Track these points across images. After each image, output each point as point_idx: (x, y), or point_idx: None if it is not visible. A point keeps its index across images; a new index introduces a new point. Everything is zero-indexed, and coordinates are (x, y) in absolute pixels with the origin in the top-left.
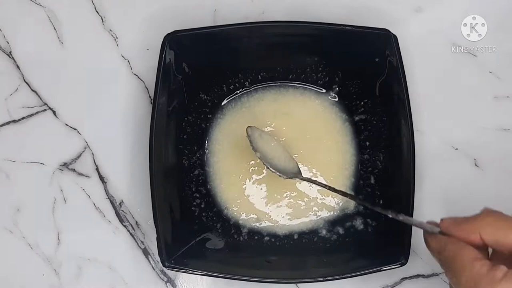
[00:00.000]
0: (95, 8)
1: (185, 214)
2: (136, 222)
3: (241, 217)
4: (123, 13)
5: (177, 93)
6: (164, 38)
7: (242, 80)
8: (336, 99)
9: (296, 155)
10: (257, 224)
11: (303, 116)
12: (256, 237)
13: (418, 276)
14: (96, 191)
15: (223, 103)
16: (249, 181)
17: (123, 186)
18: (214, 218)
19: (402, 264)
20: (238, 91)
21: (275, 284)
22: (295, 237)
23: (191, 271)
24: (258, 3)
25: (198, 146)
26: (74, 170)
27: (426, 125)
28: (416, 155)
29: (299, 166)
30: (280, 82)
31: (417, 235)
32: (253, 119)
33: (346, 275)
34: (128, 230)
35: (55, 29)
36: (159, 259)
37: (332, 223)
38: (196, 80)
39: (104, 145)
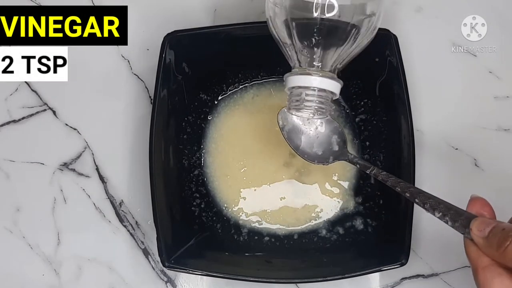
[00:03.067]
0: None
1: (185, 214)
2: (136, 222)
3: (241, 217)
4: None
5: (177, 93)
6: (164, 38)
7: (242, 80)
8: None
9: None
10: (257, 225)
11: None
12: (256, 237)
13: (418, 276)
14: (96, 191)
15: (217, 101)
16: (248, 181)
17: (123, 186)
18: (214, 218)
19: (402, 264)
20: (233, 89)
21: (275, 284)
22: (295, 237)
23: (191, 271)
24: (258, 3)
25: (197, 146)
26: (74, 170)
27: (426, 125)
28: (416, 155)
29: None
30: (276, 77)
31: (417, 235)
32: (249, 116)
33: (346, 275)
34: (128, 230)
35: None
36: (159, 259)
37: (332, 223)
38: (196, 80)
39: (104, 145)
